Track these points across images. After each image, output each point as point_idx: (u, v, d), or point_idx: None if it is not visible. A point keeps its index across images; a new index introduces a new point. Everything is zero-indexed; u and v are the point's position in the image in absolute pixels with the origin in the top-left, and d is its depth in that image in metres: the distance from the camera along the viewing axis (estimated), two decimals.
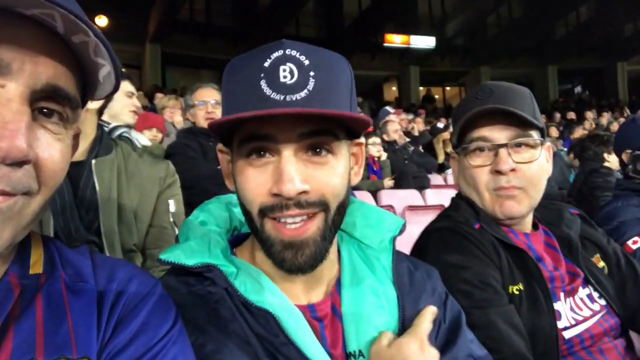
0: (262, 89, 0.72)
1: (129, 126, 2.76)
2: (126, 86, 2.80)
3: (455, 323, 0.93)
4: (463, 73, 21.64)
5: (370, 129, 6.00)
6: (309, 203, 0.75)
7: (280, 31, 15.90)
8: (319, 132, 0.76)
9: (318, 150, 0.77)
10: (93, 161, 1.54)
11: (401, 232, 0.95)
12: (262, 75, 0.73)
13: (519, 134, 1.19)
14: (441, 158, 6.92)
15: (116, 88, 0.68)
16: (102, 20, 14.48)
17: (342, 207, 0.81)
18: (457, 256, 1.13)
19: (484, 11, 17.96)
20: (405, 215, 4.27)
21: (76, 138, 0.71)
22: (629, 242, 1.84)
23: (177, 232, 1.65)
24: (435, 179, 6.16)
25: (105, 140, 1.62)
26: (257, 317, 0.78)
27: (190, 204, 1.69)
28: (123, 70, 2.98)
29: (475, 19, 18.15)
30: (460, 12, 18.43)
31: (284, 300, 0.81)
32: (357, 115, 0.75)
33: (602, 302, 1.22)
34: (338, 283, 0.89)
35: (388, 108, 6.82)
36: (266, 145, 0.76)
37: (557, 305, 1.15)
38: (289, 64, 0.73)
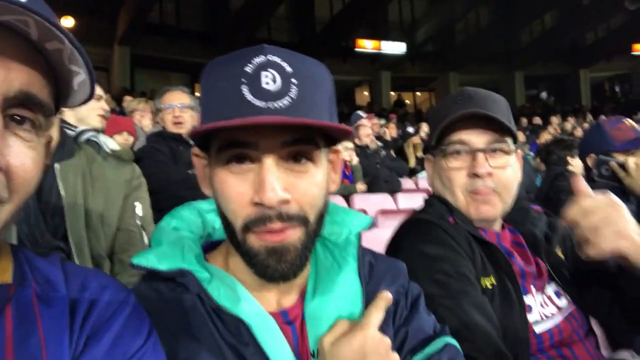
0: (244, 95, 0.71)
1: (97, 130, 2.69)
2: None
3: (412, 304, 0.93)
4: (432, 78, 21.99)
5: None
6: (289, 216, 0.75)
7: (251, 35, 15.84)
8: (301, 141, 0.75)
9: (299, 158, 0.76)
10: (57, 165, 1.50)
11: (370, 228, 0.95)
12: (244, 80, 0.71)
13: (496, 139, 1.22)
14: (412, 162, 7.01)
15: (90, 96, 0.67)
16: (68, 22, 14.11)
17: (321, 217, 0.81)
18: (433, 247, 1.15)
19: (453, 18, 18.35)
20: (378, 219, 4.30)
21: (48, 146, 0.70)
22: None
23: (144, 235, 1.63)
24: (406, 183, 6.23)
25: (68, 144, 1.58)
26: (229, 325, 0.77)
27: (161, 209, 1.66)
28: None
29: (444, 25, 18.51)
30: (430, 19, 18.77)
31: (257, 308, 0.80)
32: (343, 127, 0.75)
33: (569, 297, 1.26)
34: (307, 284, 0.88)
35: (360, 112, 6.88)
36: (247, 152, 0.74)
37: (528, 300, 1.18)
38: (271, 70, 0.72)
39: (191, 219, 0.93)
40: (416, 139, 7.26)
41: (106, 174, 1.60)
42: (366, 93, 21.89)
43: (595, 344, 1.25)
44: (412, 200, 5.06)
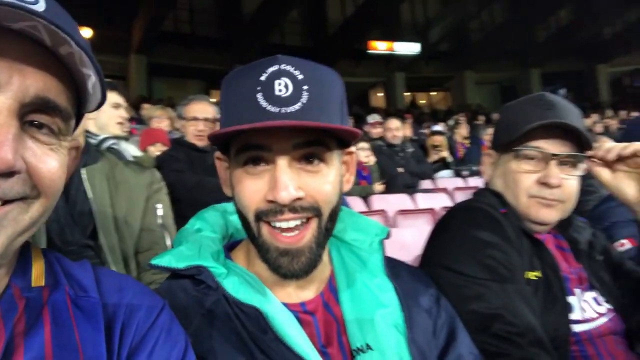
0: (259, 102, 0.76)
1: (117, 137, 2.74)
2: (112, 97, 2.78)
3: (452, 321, 0.97)
4: (448, 78, 21.86)
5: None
6: (303, 208, 0.80)
7: (264, 40, 15.94)
8: (312, 143, 0.80)
9: (311, 159, 0.81)
10: (83, 169, 1.57)
11: (387, 237, 0.99)
12: (259, 88, 0.77)
13: (572, 152, 1.23)
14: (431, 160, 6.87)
15: (102, 98, 0.68)
16: (86, 32, 14.38)
17: (334, 214, 0.85)
18: (485, 233, 1.17)
19: (467, 16, 18.20)
20: (397, 219, 4.29)
21: (77, 150, 0.72)
22: (616, 245, 1.86)
23: (166, 235, 1.69)
24: (425, 182, 6.16)
25: (91, 151, 1.66)
26: (250, 317, 0.81)
27: (183, 216, 1.70)
28: (110, 81, 2.96)
29: (458, 24, 18.37)
30: (443, 18, 18.66)
31: (271, 297, 0.85)
32: (347, 128, 0.80)
33: (608, 305, 1.25)
34: (330, 283, 0.93)
35: (374, 115, 6.85)
36: (262, 154, 0.80)
37: (570, 299, 1.20)
38: (283, 78, 0.77)
39: (214, 220, 0.99)
40: (437, 139, 7.06)
41: (128, 179, 1.67)
42: (381, 94, 21.84)
43: (630, 344, 1.23)
44: (431, 201, 5.02)
